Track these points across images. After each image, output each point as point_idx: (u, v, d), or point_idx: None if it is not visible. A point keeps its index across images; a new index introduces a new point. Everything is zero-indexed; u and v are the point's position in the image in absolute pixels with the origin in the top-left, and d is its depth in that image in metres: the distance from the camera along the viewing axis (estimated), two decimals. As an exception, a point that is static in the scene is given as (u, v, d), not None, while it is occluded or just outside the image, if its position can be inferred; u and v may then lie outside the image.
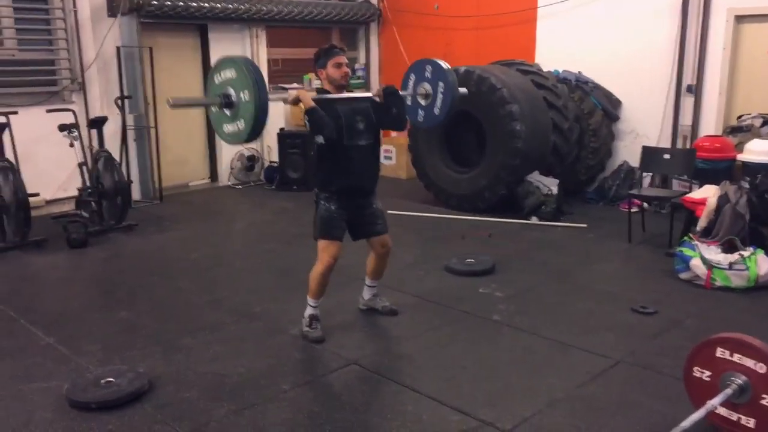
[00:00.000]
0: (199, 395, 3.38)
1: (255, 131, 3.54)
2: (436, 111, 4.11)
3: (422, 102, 4.16)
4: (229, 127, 3.64)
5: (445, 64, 4.07)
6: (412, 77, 4.19)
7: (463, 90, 4.21)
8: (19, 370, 3.67)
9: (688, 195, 5.66)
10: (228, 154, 8.84)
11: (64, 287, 5.13)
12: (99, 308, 4.63)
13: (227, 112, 3.59)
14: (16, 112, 6.39)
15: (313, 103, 3.77)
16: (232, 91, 3.53)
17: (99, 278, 5.40)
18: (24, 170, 6.17)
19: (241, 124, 3.55)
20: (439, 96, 4.07)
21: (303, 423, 3.13)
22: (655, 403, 3.28)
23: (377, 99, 4.01)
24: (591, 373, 3.59)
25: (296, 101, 3.94)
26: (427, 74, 4.12)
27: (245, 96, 3.46)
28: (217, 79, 3.61)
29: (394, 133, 10.03)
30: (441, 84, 4.04)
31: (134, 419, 3.15)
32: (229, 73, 3.55)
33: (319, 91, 4.04)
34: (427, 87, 4.09)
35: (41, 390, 3.44)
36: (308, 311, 4.09)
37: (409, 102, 4.20)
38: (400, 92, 4.07)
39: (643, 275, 5.25)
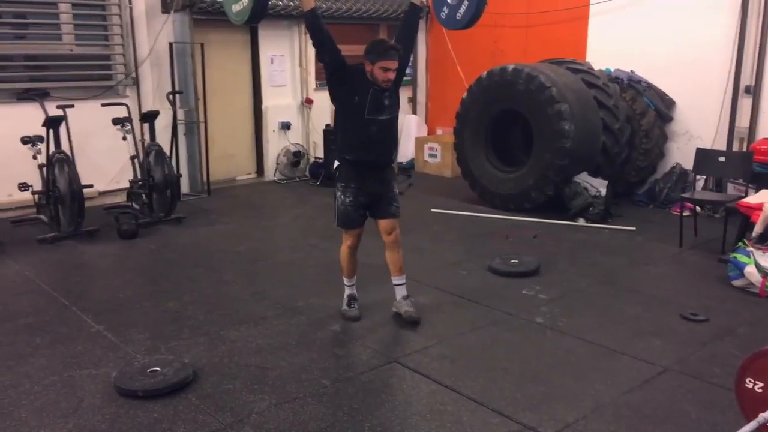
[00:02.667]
0: (242, 387, 3.43)
1: (258, 6, 3.83)
2: (458, 16, 4.11)
3: (449, 0, 4.16)
4: (236, 7, 3.99)
5: None
6: None
7: None
8: (70, 357, 3.78)
9: (743, 199, 5.49)
10: (274, 150, 8.93)
11: (114, 277, 5.26)
12: (147, 298, 4.74)
13: None
14: (72, 106, 6.59)
15: (313, 5, 3.82)
16: None
17: (148, 269, 5.52)
18: (78, 162, 6.36)
19: (245, 1, 3.90)
20: (465, 3, 4.09)
21: (342, 419, 3.14)
22: (703, 413, 3.18)
23: None
24: (637, 380, 3.51)
25: None
26: None
27: None
28: None
29: (439, 131, 10.01)
30: None
31: (178, 408, 3.22)
32: None
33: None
34: None
35: (90, 377, 3.54)
36: (345, 291, 4.37)
37: None
38: None
39: (693, 281, 5.11)
